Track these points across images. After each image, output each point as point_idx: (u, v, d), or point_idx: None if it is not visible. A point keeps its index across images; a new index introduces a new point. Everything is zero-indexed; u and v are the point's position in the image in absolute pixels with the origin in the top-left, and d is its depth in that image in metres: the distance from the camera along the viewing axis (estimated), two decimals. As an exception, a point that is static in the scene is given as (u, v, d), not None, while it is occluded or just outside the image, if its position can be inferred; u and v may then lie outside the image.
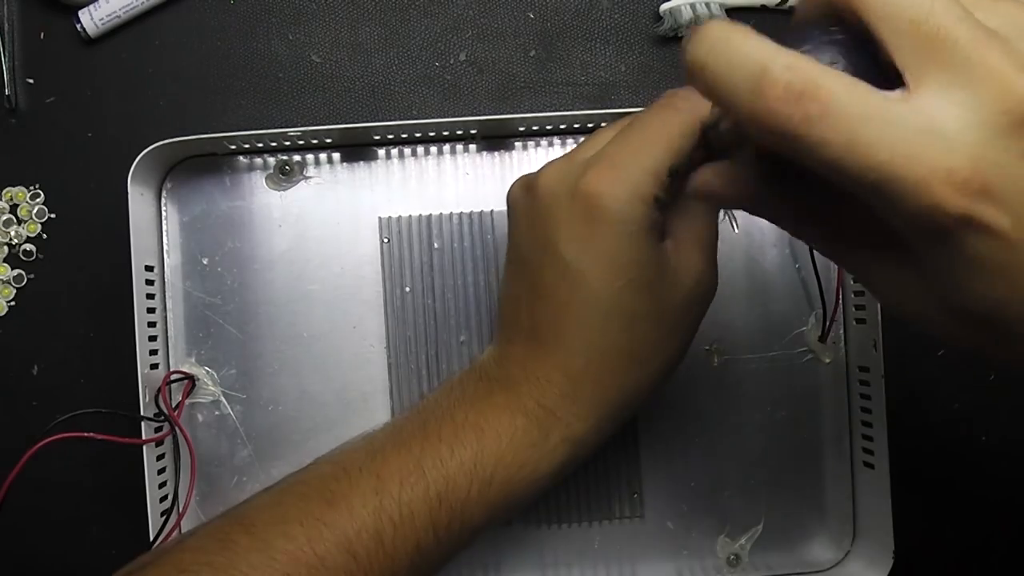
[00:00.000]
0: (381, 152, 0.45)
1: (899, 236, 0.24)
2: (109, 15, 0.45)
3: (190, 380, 0.44)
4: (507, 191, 0.37)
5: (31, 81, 0.46)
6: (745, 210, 0.33)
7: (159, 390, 0.43)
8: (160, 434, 0.42)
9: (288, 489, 0.35)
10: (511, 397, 0.35)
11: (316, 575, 0.31)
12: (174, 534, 0.42)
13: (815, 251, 0.45)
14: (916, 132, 0.22)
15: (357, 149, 0.45)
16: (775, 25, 0.46)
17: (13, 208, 0.46)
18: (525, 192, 0.35)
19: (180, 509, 0.43)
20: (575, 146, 0.36)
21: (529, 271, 0.35)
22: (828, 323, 0.45)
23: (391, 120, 0.46)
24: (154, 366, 0.43)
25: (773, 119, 0.23)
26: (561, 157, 0.35)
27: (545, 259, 0.34)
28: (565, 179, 0.34)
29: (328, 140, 0.44)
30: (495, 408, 0.35)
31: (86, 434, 0.41)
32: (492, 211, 0.45)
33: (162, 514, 0.42)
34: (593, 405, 0.35)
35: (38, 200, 0.46)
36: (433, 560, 0.34)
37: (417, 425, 0.36)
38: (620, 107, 0.47)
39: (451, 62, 0.47)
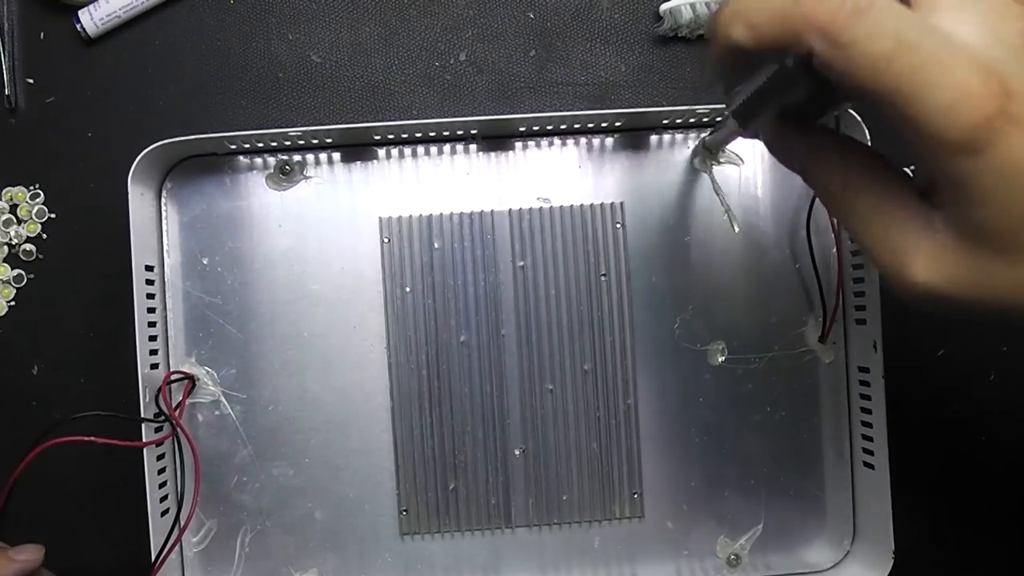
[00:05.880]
0: (381, 152, 0.45)
1: (924, 159, 0.24)
2: (109, 15, 0.45)
3: (190, 380, 0.44)
4: None
5: (31, 81, 0.46)
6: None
7: (159, 390, 0.43)
8: (161, 435, 0.42)
9: None
10: None
11: None
12: (176, 534, 0.42)
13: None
14: (946, 42, 0.23)
15: (357, 149, 0.45)
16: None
17: (13, 208, 0.46)
18: None
19: (184, 510, 0.43)
20: None
21: None
22: (828, 323, 0.45)
23: (391, 120, 0.46)
24: (154, 366, 0.43)
25: (824, 11, 0.23)
26: None
27: None
28: None
29: (328, 140, 0.44)
30: None
31: (87, 438, 0.41)
32: (492, 211, 0.45)
33: (162, 514, 0.42)
34: None
35: (38, 200, 0.46)
36: None
37: None
38: (620, 107, 0.47)
39: (451, 62, 0.47)
